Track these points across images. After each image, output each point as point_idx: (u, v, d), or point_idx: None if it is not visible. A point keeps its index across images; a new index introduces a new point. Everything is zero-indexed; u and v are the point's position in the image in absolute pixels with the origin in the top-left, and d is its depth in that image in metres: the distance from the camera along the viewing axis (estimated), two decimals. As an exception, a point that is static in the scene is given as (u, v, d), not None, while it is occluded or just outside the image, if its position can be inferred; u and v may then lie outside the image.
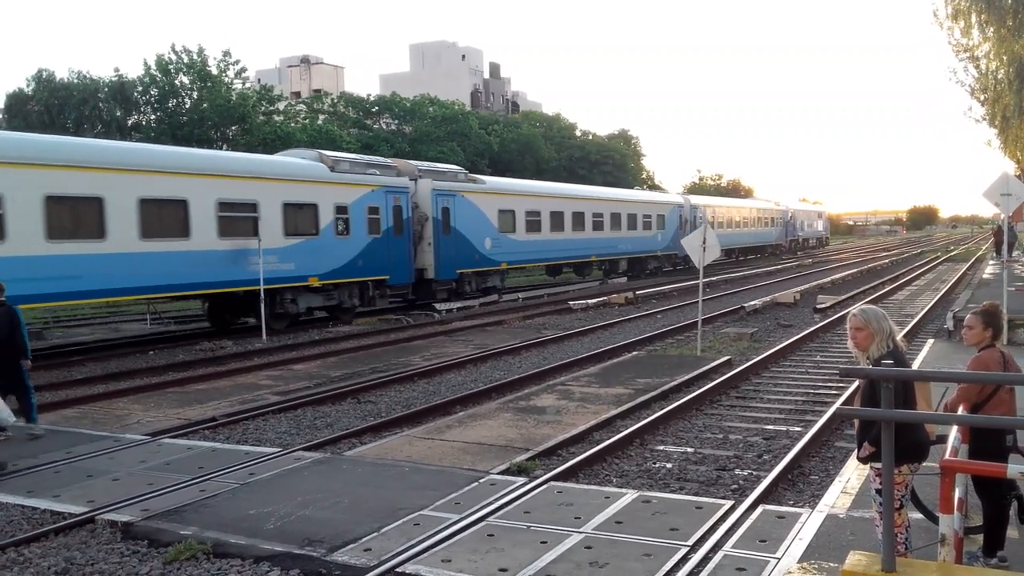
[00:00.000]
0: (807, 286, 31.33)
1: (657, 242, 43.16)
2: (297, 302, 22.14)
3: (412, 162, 28.90)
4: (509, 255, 30.65)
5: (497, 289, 30.34)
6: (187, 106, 41.50)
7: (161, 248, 18.63)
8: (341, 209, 23.06)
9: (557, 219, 33.90)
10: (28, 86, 41.87)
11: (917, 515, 5.84)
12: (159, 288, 18.94)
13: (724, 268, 47.08)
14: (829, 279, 35.67)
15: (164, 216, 18.80)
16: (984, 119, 27.51)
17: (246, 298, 20.84)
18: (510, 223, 30.78)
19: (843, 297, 27.25)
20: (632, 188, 54.63)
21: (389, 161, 27.00)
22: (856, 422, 5.24)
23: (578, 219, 35.55)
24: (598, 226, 36.93)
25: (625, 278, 39.86)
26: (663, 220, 43.76)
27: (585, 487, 8.07)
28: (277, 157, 24.07)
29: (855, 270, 42.13)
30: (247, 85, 44.57)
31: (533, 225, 32.30)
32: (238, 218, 20.22)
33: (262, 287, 20.16)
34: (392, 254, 24.92)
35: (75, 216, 17.34)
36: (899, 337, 5.28)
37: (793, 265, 50.72)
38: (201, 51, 41.17)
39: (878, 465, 4.72)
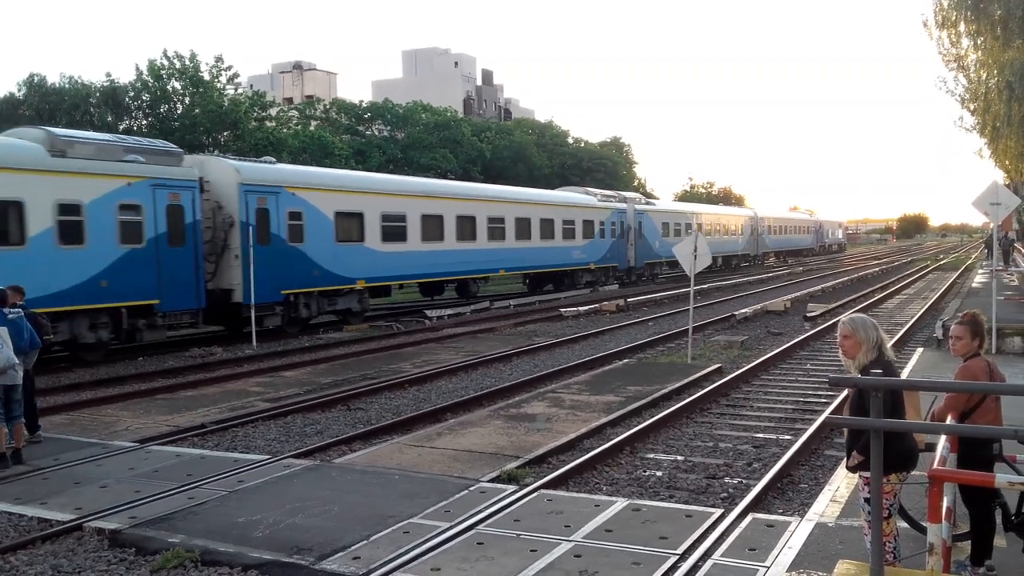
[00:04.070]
0: (797, 294, 31.45)
1: (739, 244, 59.26)
2: (583, 279, 37.31)
3: (622, 192, 45.08)
4: (667, 252, 42.15)
5: (658, 276, 45.14)
6: (179, 111, 41.38)
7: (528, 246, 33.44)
8: (601, 223, 38.79)
9: (688, 228, 47.12)
10: (19, 91, 41.64)
11: (906, 524, 5.85)
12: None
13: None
14: (820, 287, 35.81)
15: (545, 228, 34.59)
16: (974, 128, 27.47)
17: (552, 275, 36.30)
18: (667, 231, 45.54)
19: (833, 305, 27.34)
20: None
21: (613, 193, 42.91)
22: (845, 431, 5.25)
23: (698, 228, 47.95)
24: (708, 232, 49.98)
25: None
26: (742, 229, 59.16)
27: (575, 495, 8.07)
28: (580, 195, 39.23)
29: (846, 278, 42.28)
30: (239, 91, 44.40)
31: (677, 231, 45.82)
32: (568, 229, 36.01)
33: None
34: (616, 250, 40.28)
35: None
36: (889, 345, 5.29)
37: (784, 273, 50.98)
38: (193, 56, 41.02)
39: (867, 474, 4.73)
